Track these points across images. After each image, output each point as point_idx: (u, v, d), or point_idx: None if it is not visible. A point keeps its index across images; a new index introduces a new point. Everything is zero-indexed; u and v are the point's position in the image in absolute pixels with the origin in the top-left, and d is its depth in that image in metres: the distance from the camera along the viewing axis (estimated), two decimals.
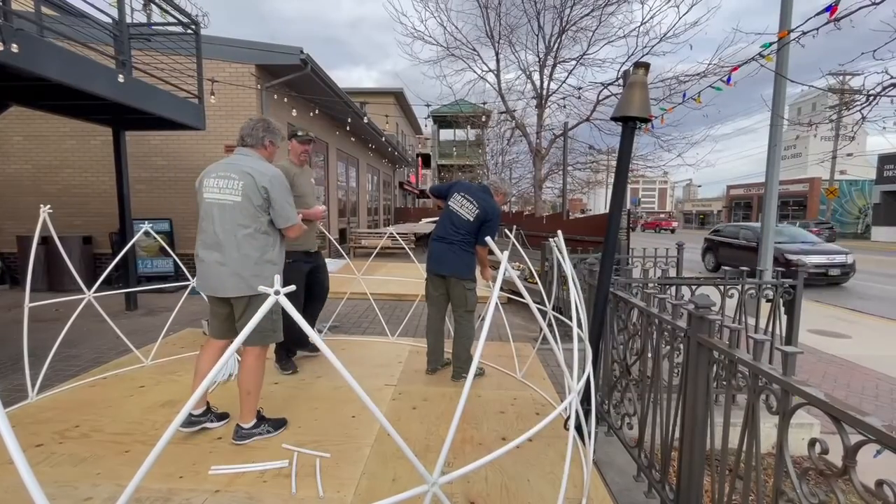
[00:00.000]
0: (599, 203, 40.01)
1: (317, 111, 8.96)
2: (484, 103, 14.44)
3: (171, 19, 5.16)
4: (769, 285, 2.93)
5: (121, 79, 4.12)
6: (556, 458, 2.24)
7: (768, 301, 2.94)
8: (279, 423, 2.45)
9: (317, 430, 2.47)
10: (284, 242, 2.43)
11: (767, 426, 2.52)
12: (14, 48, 3.04)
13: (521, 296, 2.96)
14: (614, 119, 2.25)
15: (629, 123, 2.23)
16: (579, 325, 2.05)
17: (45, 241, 5.94)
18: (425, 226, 13.60)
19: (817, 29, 3.33)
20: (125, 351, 3.62)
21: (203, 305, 4.48)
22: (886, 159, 22.00)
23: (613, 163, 13.14)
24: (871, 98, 3.32)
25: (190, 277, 3.47)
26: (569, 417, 2.13)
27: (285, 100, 7.78)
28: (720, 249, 11.62)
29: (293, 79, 7.14)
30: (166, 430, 0.84)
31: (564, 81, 11.61)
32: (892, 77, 3.14)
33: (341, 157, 11.69)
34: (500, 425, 2.60)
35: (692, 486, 1.72)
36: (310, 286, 3.36)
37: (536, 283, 4.07)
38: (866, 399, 3.66)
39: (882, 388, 3.88)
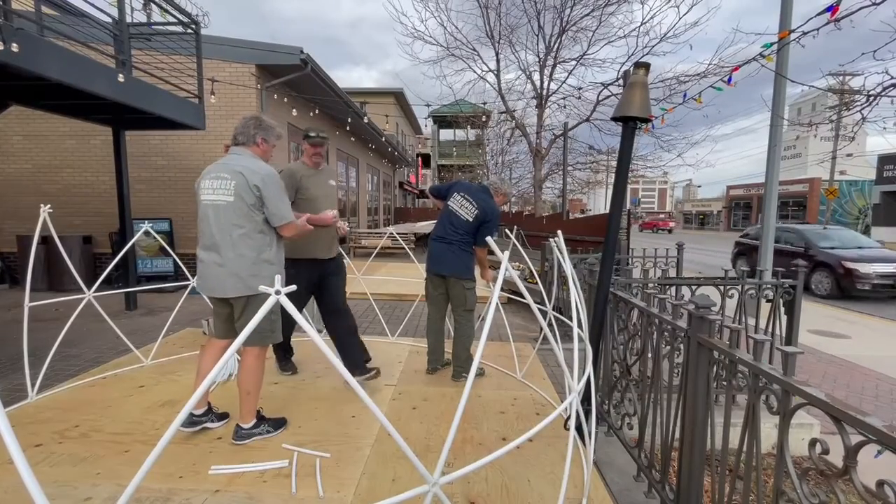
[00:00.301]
0: (599, 203, 40.01)
1: (317, 111, 8.96)
2: (484, 103, 14.44)
3: (171, 19, 5.16)
4: (769, 285, 2.94)
5: (121, 78, 4.12)
6: (556, 459, 2.24)
7: (768, 301, 2.95)
8: (279, 423, 2.45)
9: (317, 430, 2.47)
10: (282, 242, 2.42)
11: (768, 426, 2.52)
12: (14, 48, 3.04)
13: (521, 296, 2.96)
14: (614, 119, 2.25)
15: (629, 124, 2.23)
16: (579, 325, 2.05)
17: (45, 240, 5.94)
18: (425, 226, 13.59)
19: (818, 29, 3.33)
20: (125, 351, 3.62)
21: (203, 305, 4.50)
22: (886, 160, 21.96)
23: (613, 163, 13.14)
24: (871, 98, 3.32)
25: (190, 277, 3.46)
26: (569, 417, 2.13)
27: (285, 100, 7.77)
28: (754, 254, 9.59)
29: (293, 79, 7.14)
30: (167, 430, 0.84)
31: (564, 81, 11.63)
32: (892, 77, 3.15)
33: (341, 157, 11.69)
34: (501, 425, 2.59)
35: (692, 486, 1.72)
36: (320, 296, 3.11)
37: (536, 283, 4.07)
38: (866, 399, 3.66)
39: (882, 388, 3.88)
